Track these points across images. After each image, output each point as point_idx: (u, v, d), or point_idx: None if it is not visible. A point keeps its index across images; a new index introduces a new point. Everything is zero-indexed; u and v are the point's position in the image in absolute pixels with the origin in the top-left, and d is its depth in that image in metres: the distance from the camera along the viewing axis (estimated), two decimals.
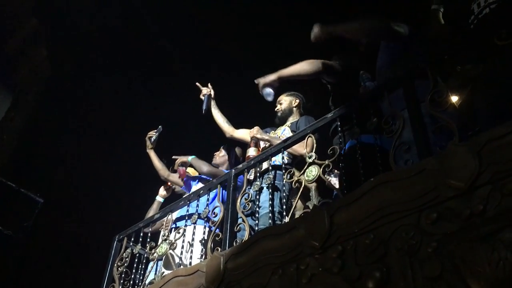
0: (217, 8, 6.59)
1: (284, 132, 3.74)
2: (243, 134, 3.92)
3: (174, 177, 4.30)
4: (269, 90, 3.18)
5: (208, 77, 4.25)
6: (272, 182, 3.03)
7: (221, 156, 4.37)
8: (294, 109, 3.98)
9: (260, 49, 6.68)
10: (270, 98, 3.23)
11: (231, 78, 6.40)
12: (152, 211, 4.23)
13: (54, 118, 7.07)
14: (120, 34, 6.93)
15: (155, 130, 4.35)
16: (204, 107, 3.96)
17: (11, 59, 7.86)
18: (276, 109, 4.02)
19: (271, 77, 3.18)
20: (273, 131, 3.93)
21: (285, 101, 4.04)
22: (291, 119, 3.92)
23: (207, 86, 4.13)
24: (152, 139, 4.32)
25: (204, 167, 3.90)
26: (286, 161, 3.03)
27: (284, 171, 2.72)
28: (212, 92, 4.10)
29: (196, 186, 4.08)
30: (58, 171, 6.81)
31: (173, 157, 4.18)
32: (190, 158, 4.05)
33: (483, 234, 1.51)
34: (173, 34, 7.05)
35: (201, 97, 4.07)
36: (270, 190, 3.09)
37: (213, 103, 4.08)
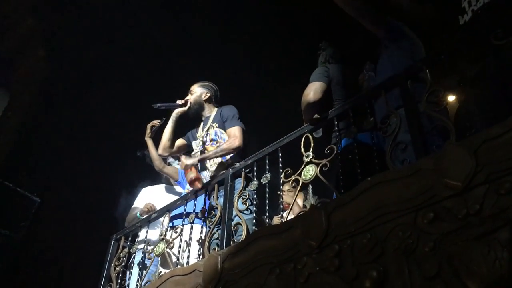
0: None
1: (214, 132, 3.70)
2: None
3: (169, 170, 4.26)
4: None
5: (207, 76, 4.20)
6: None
7: None
8: (205, 103, 3.91)
9: (256, 48, 6.69)
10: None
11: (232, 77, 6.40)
12: (126, 222, 4.10)
13: (51, 118, 7.06)
14: (118, 34, 6.92)
15: (159, 121, 4.33)
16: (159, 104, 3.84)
17: (7, 59, 7.84)
18: (186, 98, 3.94)
19: None
20: (198, 133, 3.86)
21: (195, 93, 3.95)
22: (207, 113, 3.88)
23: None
24: (154, 129, 4.31)
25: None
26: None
27: (281, 171, 2.72)
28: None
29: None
30: (55, 171, 6.80)
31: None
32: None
33: (479, 234, 1.51)
34: (174, 34, 7.03)
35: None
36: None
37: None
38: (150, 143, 4.25)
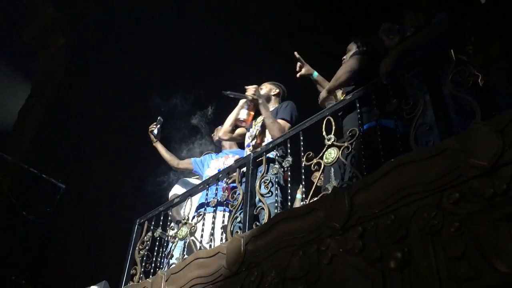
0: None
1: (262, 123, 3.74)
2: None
3: (184, 164, 4.31)
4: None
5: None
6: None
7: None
8: (273, 97, 3.99)
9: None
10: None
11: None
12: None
13: (74, 104, 7.15)
14: (137, 21, 6.94)
15: (155, 123, 4.30)
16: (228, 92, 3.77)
17: (29, 48, 7.95)
18: (252, 87, 3.85)
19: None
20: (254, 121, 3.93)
21: (266, 87, 4.04)
22: (270, 107, 3.87)
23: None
24: (155, 133, 4.28)
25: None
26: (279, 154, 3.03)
27: (303, 154, 2.72)
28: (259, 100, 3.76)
29: (209, 169, 4.08)
30: (79, 157, 6.90)
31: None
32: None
33: (506, 213, 1.49)
34: (191, 22, 7.02)
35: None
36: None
37: None
38: (159, 146, 4.32)
